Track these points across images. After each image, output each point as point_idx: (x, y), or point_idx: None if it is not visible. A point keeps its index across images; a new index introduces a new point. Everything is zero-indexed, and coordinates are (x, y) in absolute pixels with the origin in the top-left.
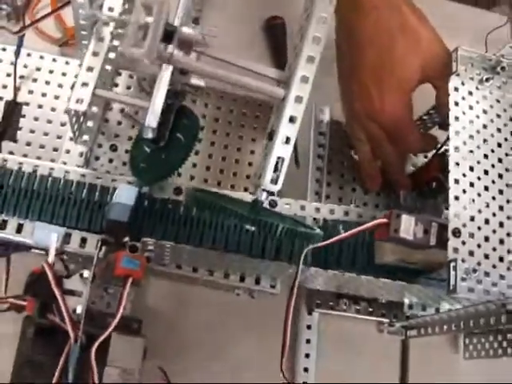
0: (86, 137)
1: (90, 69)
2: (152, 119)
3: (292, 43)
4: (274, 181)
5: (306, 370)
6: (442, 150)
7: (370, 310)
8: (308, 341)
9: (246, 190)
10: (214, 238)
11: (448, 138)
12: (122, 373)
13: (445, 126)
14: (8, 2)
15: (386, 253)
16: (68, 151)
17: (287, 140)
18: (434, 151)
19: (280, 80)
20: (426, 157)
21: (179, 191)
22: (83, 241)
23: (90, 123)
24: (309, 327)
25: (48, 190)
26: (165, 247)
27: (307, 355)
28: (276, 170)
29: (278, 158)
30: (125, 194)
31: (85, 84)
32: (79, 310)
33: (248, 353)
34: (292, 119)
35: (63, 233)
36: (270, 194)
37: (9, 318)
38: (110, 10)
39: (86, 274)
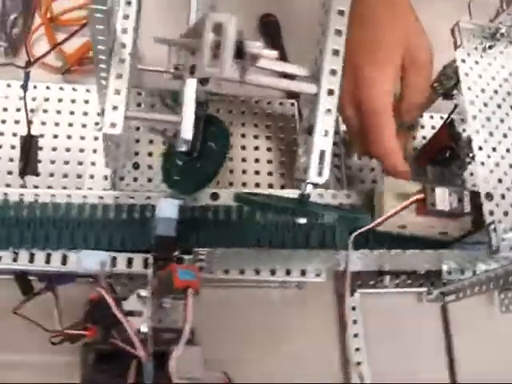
0: (117, 159)
1: (117, 92)
2: (186, 132)
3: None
4: (320, 173)
5: (357, 349)
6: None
7: (409, 282)
8: (355, 321)
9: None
10: (258, 238)
11: (455, 107)
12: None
13: (449, 96)
14: (2, 37)
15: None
16: (92, 176)
17: (326, 133)
18: (443, 121)
19: (308, 76)
20: (433, 128)
21: (216, 196)
22: (129, 261)
23: (122, 146)
24: (353, 308)
25: (87, 217)
26: (215, 254)
27: (356, 335)
28: (320, 162)
29: (321, 150)
30: (167, 208)
31: (115, 107)
32: (143, 328)
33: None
34: (328, 112)
35: (109, 257)
36: (315, 186)
37: (62, 348)
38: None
39: (144, 292)
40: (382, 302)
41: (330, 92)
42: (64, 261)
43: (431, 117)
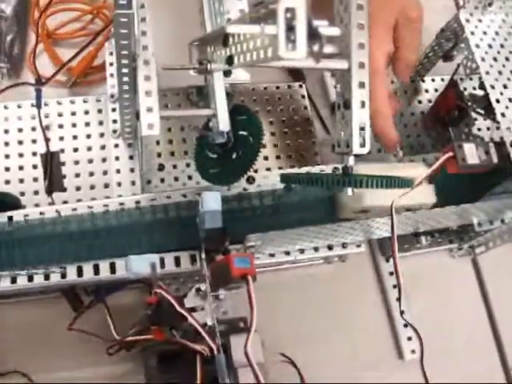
0: (152, 161)
1: (148, 93)
2: (223, 123)
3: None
4: (362, 144)
5: (402, 312)
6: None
7: (440, 240)
8: (394, 286)
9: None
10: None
11: (458, 67)
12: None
13: (449, 57)
14: (3, 59)
15: (345, 209)
16: (119, 184)
17: (363, 104)
18: (448, 82)
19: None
20: (436, 90)
21: (252, 179)
22: (177, 260)
23: (153, 147)
24: (391, 273)
25: (127, 222)
26: (266, 238)
27: (398, 299)
28: (361, 133)
29: (360, 122)
30: (211, 201)
31: (149, 109)
32: (209, 322)
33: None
34: (361, 85)
35: (158, 258)
36: (357, 157)
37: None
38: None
39: (203, 287)
40: (417, 263)
41: (361, 65)
42: (113, 269)
43: (433, 80)
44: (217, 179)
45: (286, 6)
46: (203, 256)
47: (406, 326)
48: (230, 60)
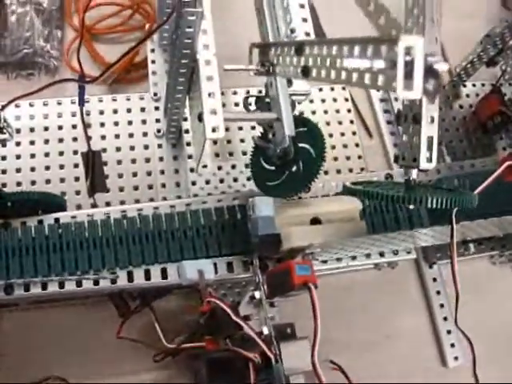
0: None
1: (211, 94)
2: (289, 127)
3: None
4: (429, 159)
5: (445, 318)
6: None
7: (482, 247)
8: (438, 292)
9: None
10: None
11: (503, 73)
12: (305, 378)
13: (492, 63)
14: (43, 55)
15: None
16: (163, 185)
17: (432, 119)
18: (491, 87)
19: None
20: (477, 95)
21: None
22: (229, 265)
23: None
24: (434, 280)
25: (183, 226)
26: (328, 245)
27: (442, 305)
28: (428, 148)
29: (428, 137)
30: (263, 207)
31: (213, 111)
32: (266, 331)
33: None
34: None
35: (211, 264)
36: (423, 171)
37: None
38: None
39: (257, 294)
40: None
41: None
42: (164, 275)
43: (473, 85)
44: (273, 192)
45: (405, 45)
46: (257, 262)
47: (449, 332)
48: (305, 71)
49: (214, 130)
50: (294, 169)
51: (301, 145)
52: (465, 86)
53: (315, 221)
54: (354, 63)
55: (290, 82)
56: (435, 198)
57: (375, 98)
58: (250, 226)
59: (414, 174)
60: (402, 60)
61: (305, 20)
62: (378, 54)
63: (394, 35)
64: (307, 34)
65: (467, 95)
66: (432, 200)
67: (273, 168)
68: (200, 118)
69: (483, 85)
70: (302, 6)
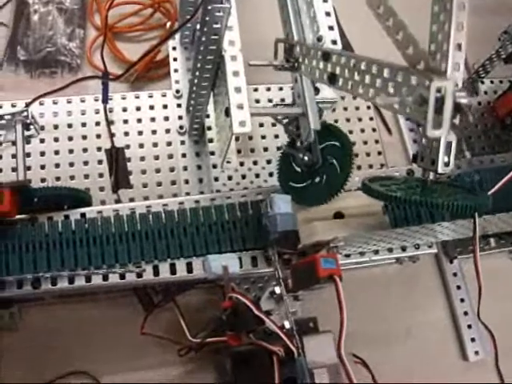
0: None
1: (237, 89)
2: (315, 122)
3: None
4: (447, 163)
5: (465, 313)
6: None
7: (502, 241)
8: (458, 287)
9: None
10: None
11: None
12: (329, 372)
13: (510, 60)
14: (65, 53)
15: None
16: (187, 181)
17: (454, 125)
18: (510, 84)
19: None
20: (495, 92)
21: None
22: (254, 260)
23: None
24: (455, 274)
25: (208, 220)
26: (353, 239)
27: (462, 300)
28: (447, 153)
29: (447, 142)
30: (282, 204)
31: (240, 106)
32: (287, 325)
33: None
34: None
35: (237, 258)
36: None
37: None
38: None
39: (278, 290)
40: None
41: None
42: (190, 269)
43: (491, 81)
44: (293, 194)
45: (437, 86)
46: (276, 258)
47: (469, 327)
48: (332, 78)
49: (241, 124)
50: (317, 180)
51: (329, 158)
52: (483, 82)
53: (338, 215)
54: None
55: (317, 90)
56: (450, 203)
57: None
58: (267, 223)
59: (432, 175)
60: (433, 101)
61: (331, 28)
62: (409, 84)
63: (425, 72)
64: (334, 42)
65: (485, 92)
66: (447, 205)
67: (299, 170)
68: (227, 112)
69: (501, 82)
70: (329, 14)
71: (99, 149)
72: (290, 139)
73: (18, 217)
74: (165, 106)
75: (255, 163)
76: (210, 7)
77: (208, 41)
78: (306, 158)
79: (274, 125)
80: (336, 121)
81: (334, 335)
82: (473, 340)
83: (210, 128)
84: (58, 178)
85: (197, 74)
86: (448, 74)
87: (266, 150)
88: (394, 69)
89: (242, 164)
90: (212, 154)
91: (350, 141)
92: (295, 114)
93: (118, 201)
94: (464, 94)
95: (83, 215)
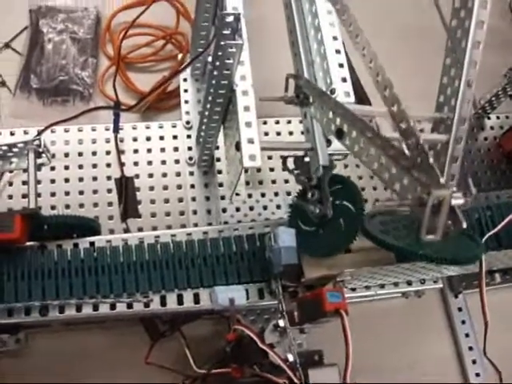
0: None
1: (248, 124)
2: (324, 157)
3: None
4: None
5: (470, 348)
6: None
7: (507, 277)
8: (463, 322)
9: None
10: None
11: None
12: None
13: None
14: (78, 82)
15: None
16: (195, 212)
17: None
18: None
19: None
20: (501, 128)
21: None
22: (260, 292)
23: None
24: (460, 309)
25: (215, 252)
26: (359, 273)
27: (467, 335)
28: None
29: None
30: (287, 237)
31: (250, 140)
32: (291, 358)
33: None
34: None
35: (244, 290)
36: None
37: None
38: None
39: (281, 323)
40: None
41: (457, 140)
42: (197, 300)
43: (497, 117)
44: (302, 240)
45: (436, 196)
46: (280, 291)
47: (474, 362)
48: (340, 134)
49: (251, 159)
50: (335, 226)
51: (337, 202)
52: (489, 118)
53: (346, 249)
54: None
55: (328, 142)
56: (438, 256)
57: (383, 129)
58: (271, 256)
59: None
60: (429, 210)
61: (344, 80)
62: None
63: (427, 182)
64: (347, 94)
65: (491, 127)
66: (435, 258)
67: (311, 216)
68: (237, 146)
69: (507, 117)
70: (342, 66)
71: (109, 178)
72: (301, 190)
73: (27, 244)
74: (175, 137)
75: (263, 195)
76: (223, 43)
77: (220, 75)
78: (317, 210)
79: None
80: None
81: (339, 368)
82: (477, 375)
83: (219, 159)
84: (67, 206)
85: (208, 106)
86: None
87: (274, 182)
88: (398, 168)
89: (250, 196)
90: (221, 185)
91: (352, 181)
92: (304, 148)
93: (126, 230)
94: (460, 194)
95: (92, 244)
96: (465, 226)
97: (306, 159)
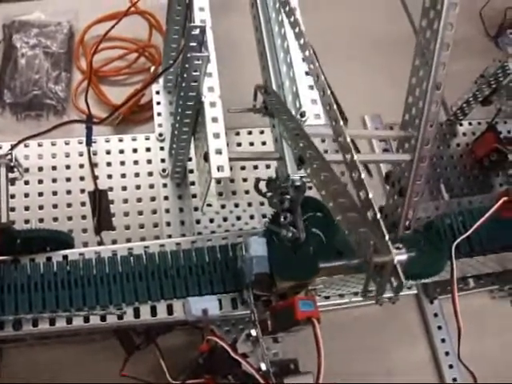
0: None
1: (216, 135)
2: (292, 167)
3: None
4: (408, 228)
5: (447, 353)
6: None
7: (482, 282)
8: (439, 327)
9: None
10: None
11: (498, 111)
12: None
13: (487, 102)
14: (51, 96)
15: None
16: (168, 223)
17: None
18: (487, 125)
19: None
20: (473, 134)
21: None
22: (234, 302)
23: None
24: (435, 315)
25: (188, 263)
26: (331, 281)
27: (443, 340)
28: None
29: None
30: (259, 247)
31: (218, 151)
32: (263, 367)
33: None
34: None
35: (217, 300)
36: None
37: None
38: None
39: (254, 332)
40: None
41: (421, 159)
42: (170, 311)
43: (470, 123)
44: (286, 273)
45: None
46: (251, 300)
47: (451, 367)
48: (301, 160)
49: (219, 170)
50: (305, 252)
51: (313, 230)
52: (461, 124)
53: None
54: None
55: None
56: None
57: (375, 139)
58: (243, 265)
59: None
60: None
61: (314, 102)
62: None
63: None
64: (317, 116)
65: (464, 134)
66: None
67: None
68: (206, 157)
69: (479, 123)
70: (312, 88)
71: (83, 191)
72: (273, 215)
73: (0, 258)
74: (148, 149)
75: (237, 206)
76: (189, 55)
77: (188, 87)
78: (289, 234)
79: (255, 167)
80: None
81: (314, 376)
82: (454, 380)
83: (192, 171)
84: (41, 220)
85: (178, 118)
86: None
87: (247, 192)
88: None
89: (223, 206)
90: (194, 196)
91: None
92: (273, 158)
93: (100, 243)
94: (403, 250)
95: (65, 257)
96: (404, 281)
97: (278, 182)
